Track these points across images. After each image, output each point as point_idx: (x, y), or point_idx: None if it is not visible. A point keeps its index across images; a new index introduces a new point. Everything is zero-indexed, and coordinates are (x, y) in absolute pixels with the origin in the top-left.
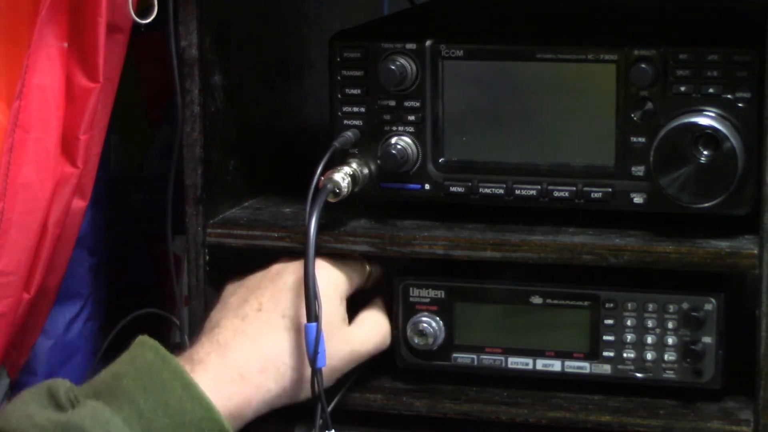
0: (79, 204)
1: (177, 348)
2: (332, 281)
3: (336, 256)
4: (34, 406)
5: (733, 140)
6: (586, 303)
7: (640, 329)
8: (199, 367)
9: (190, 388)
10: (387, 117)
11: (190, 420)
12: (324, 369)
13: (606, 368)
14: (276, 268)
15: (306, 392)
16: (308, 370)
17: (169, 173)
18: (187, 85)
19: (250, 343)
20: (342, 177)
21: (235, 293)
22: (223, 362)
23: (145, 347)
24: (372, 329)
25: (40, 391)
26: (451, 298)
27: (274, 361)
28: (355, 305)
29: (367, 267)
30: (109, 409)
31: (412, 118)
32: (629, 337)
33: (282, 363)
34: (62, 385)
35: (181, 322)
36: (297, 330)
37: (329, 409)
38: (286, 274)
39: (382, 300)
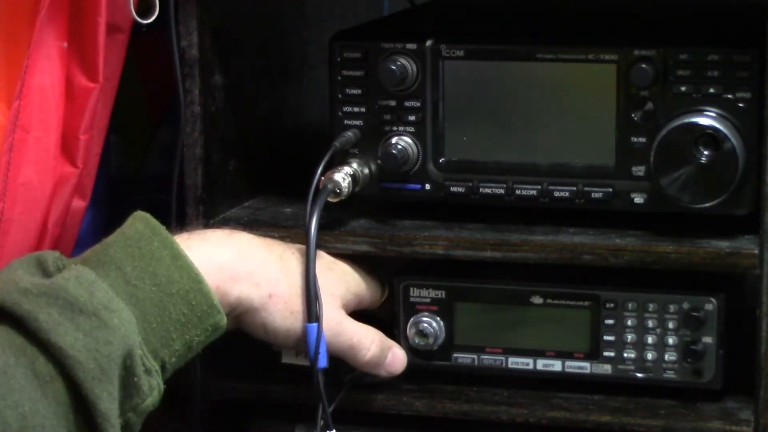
0: (79, 204)
1: None
2: (346, 276)
3: (357, 267)
4: (21, 272)
5: (734, 140)
6: (586, 303)
7: (641, 329)
8: (197, 236)
9: (179, 259)
10: (387, 117)
11: (178, 290)
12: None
13: (606, 368)
14: (278, 251)
15: (285, 325)
16: (297, 302)
17: (172, 173)
18: (187, 85)
19: (261, 243)
20: (342, 177)
21: None
22: (225, 237)
23: (136, 219)
24: (367, 330)
25: (29, 260)
26: (452, 298)
27: (276, 265)
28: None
29: (386, 291)
30: (95, 273)
31: (412, 118)
32: (630, 337)
33: (283, 274)
34: (51, 255)
35: None
36: (300, 273)
37: (330, 409)
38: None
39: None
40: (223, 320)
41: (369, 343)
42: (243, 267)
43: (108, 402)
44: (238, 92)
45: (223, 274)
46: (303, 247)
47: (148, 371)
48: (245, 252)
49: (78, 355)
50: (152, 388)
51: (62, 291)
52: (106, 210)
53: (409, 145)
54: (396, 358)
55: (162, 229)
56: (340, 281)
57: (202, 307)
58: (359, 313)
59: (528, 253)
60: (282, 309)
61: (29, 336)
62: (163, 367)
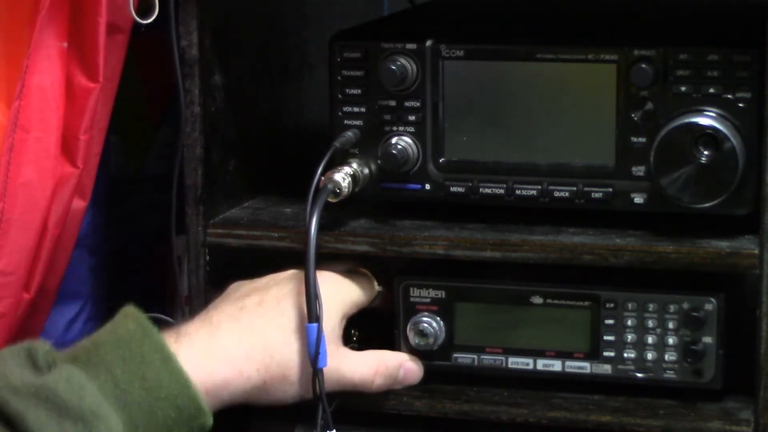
0: (79, 204)
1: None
2: (336, 298)
3: (345, 272)
4: (12, 366)
5: (734, 140)
6: (586, 303)
7: (641, 329)
8: (184, 339)
9: (169, 362)
10: (387, 117)
11: (166, 395)
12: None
13: (606, 368)
14: (285, 273)
15: (285, 395)
16: (294, 371)
17: (172, 173)
18: (187, 85)
19: (242, 330)
20: (342, 177)
21: (239, 289)
22: (210, 340)
23: (128, 317)
24: (367, 362)
25: (20, 351)
26: (452, 298)
27: (262, 352)
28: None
29: (377, 287)
30: (85, 374)
31: (412, 118)
32: (630, 337)
33: (269, 356)
34: (41, 347)
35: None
36: (292, 330)
37: (330, 409)
38: (294, 281)
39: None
40: (209, 421)
41: (372, 376)
42: (230, 370)
43: None
44: (238, 92)
45: (213, 378)
46: (290, 308)
47: None
48: (232, 354)
49: None
50: None
51: (52, 393)
52: (106, 210)
53: (409, 145)
54: (409, 372)
55: (153, 330)
56: (333, 295)
57: (189, 411)
58: (359, 313)
59: (528, 253)
60: (279, 388)
61: None
62: None
